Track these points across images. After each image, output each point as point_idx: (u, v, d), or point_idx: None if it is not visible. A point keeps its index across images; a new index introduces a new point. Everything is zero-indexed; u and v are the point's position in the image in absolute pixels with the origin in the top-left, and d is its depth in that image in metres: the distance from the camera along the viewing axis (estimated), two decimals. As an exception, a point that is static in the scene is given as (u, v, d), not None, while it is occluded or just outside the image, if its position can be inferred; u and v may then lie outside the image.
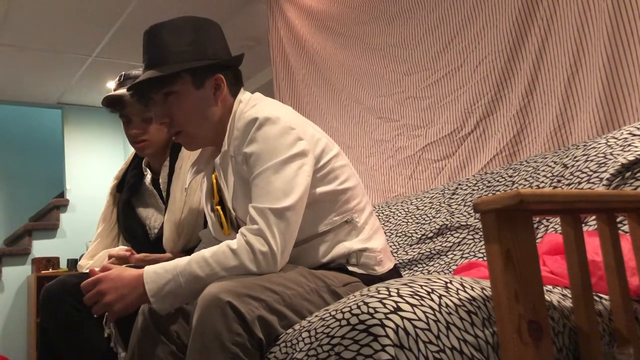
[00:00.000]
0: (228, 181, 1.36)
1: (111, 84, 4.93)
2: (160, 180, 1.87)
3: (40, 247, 4.90)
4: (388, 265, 1.39)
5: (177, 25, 1.37)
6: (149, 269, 1.20)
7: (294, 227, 1.21)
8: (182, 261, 1.19)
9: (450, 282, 0.97)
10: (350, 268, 1.32)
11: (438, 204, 2.15)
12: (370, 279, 1.30)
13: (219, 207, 1.42)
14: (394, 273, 1.40)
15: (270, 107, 1.31)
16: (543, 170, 1.76)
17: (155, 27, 1.37)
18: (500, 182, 1.93)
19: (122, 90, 1.78)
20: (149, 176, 1.89)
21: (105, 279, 1.21)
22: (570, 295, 1.03)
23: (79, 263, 1.85)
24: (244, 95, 1.42)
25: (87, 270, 1.76)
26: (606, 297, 1.10)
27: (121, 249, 1.74)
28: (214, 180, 1.43)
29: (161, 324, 1.35)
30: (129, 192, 1.90)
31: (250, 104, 1.38)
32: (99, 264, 1.78)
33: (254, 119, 1.26)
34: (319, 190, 1.30)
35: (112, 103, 1.81)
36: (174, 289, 1.17)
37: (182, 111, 1.37)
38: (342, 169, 1.35)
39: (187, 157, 1.82)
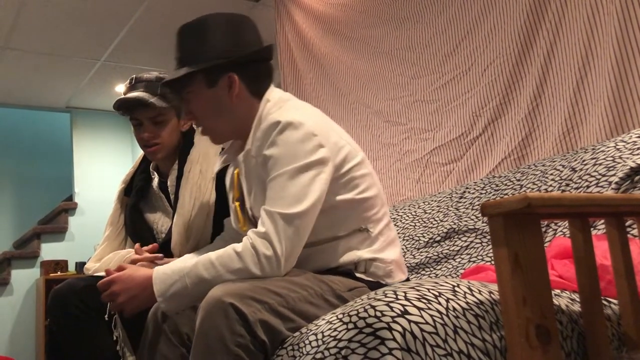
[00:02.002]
0: (247, 179, 1.38)
1: (120, 87, 4.96)
2: (168, 184, 1.87)
3: (49, 250, 4.93)
4: (399, 277, 1.37)
5: (194, 25, 1.40)
6: (158, 270, 1.23)
7: (303, 234, 1.21)
8: (189, 262, 1.21)
9: (458, 285, 0.96)
10: (357, 275, 1.31)
11: (446, 207, 2.15)
12: (376, 286, 1.29)
13: (237, 203, 1.44)
14: None
15: (295, 111, 1.30)
16: (551, 174, 1.75)
17: (181, 27, 1.42)
18: (508, 185, 1.92)
19: (135, 93, 1.78)
20: (156, 179, 1.90)
21: (118, 279, 1.27)
22: (578, 300, 1.02)
23: (86, 266, 1.86)
24: (272, 94, 1.41)
25: (93, 273, 1.78)
26: (615, 301, 1.10)
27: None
28: (236, 176, 1.45)
29: (172, 325, 1.36)
30: (136, 195, 1.90)
31: (278, 105, 1.37)
32: (105, 266, 1.79)
33: (276, 122, 1.26)
34: (337, 197, 1.29)
35: (123, 106, 1.81)
36: (180, 290, 1.19)
37: (199, 109, 1.41)
38: (363, 178, 1.34)
39: (196, 161, 1.82)
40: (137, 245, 1.73)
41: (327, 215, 1.27)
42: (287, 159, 1.23)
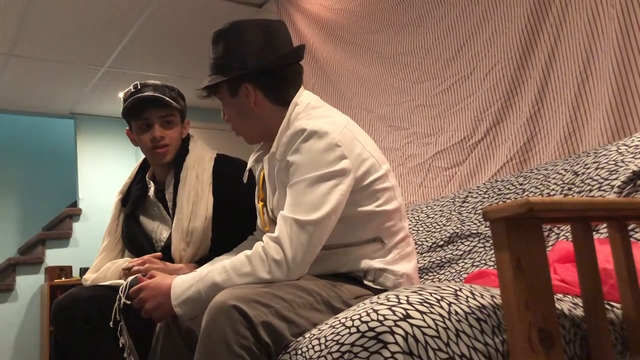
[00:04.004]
0: (270, 181, 1.41)
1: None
2: (165, 191, 1.88)
3: (53, 256, 4.93)
4: None
5: (223, 32, 1.42)
6: (179, 277, 1.26)
7: (316, 242, 1.22)
8: (205, 269, 1.24)
9: (460, 289, 0.97)
10: (365, 282, 1.32)
11: (448, 212, 2.15)
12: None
13: (261, 203, 1.47)
14: None
15: (322, 120, 1.31)
16: (553, 178, 1.75)
17: (213, 33, 1.45)
18: (511, 190, 1.92)
19: (148, 93, 1.80)
20: (152, 189, 1.90)
21: (146, 287, 1.31)
22: (581, 304, 1.02)
23: (84, 277, 1.86)
24: (301, 97, 1.43)
25: (91, 284, 1.79)
26: (618, 305, 1.09)
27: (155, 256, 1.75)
28: (262, 177, 1.49)
29: (184, 332, 1.37)
30: (133, 205, 1.90)
31: (306, 111, 1.39)
32: (103, 276, 1.79)
33: (301, 130, 1.28)
34: (356, 208, 1.30)
35: (138, 103, 1.80)
36: (194, 294, 1.21)
37: (228, 113, 1.48)
38: (384, 192, 1.35)
39: (192, 167, 1.83)
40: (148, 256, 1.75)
41: (344, 223, 1.29)
42: (309, 167, 1.24)
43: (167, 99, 1.80)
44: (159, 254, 1.74)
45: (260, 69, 1.39)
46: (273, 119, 1.41)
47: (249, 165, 1.57)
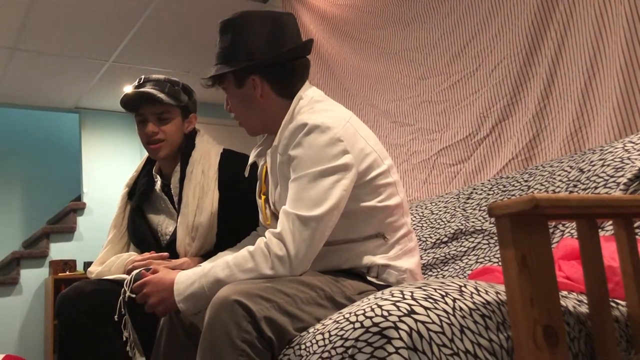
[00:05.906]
0: (272, 174, 1.41)
1: (128, 89, 4.98)
2: (171, 186, 1.88)
3: (58, 250, 4.96)
4: None
5: (231, 22, 1.42)
6: (181, 273, 1.27)
7: (319, 237, 1.21)
8: (208, 265, 1.24)
9: (465, 285, 0.96)
10: (369, 278, 1.32)
11: (453, 208, 2.14)
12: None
13: (263, 197, 1.47)
14: None
15: (325, 115, 1.31)
16: (559, 175, 1.75)
17: (220, 22, 1.45)
18: (516, 186, 1.92)
19: (142, 89, 1.80)
20: (159, 182, 1.90)
21: (149, 282, 1.31)
22: (586, 301, 1.02)
23: (89, 269, 1.86)
24: (307, 92, 1.43)
25: (96, 277, 1.79)
26: (623, 303, 1.09)
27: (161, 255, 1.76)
28: (264, 171, 1.48)
29: (188, 327, 1.38)
30: (139, 198, 1.91)
31: (310, 105, 1.38)
32: (107, 269, 1.80)
33: (303, 124, 1.27)
34: (358, 204, 1.30)
35: (130, 101, 1.82)
36: (197, 290, 1.21)
37: (232, 104, 1.47)
38: (386, 187, 1.34)
39: (198, 162, 1.83)
40: (152, 252, 1.76)
41: (346, 219, 1.28)
42: (311, 162, 1.24)
43: (160, 95, 1.79)
44: (165, 253, 1.74)
45: (269, 62, 1.39)
46: (277, 112, 1.41)
47: (250, 160, 1.57)
